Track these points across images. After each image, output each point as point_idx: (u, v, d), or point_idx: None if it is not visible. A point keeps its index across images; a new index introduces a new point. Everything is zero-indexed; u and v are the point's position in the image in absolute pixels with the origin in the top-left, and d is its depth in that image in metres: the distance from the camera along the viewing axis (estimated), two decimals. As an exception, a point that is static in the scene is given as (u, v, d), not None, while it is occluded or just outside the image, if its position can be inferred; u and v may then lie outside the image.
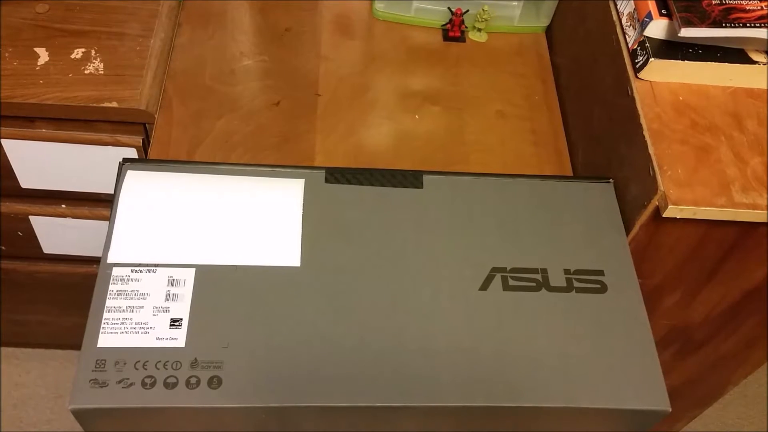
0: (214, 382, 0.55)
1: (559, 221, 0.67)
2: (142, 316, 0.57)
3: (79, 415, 0.54)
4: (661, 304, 0.76)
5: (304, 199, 0.65)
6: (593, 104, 0.77)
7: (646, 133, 0.65)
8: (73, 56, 0.79)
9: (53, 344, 1.29)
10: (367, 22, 0.90)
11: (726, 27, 0.64)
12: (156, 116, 0.77)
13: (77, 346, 0.60)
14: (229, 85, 0.81)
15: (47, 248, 0.98)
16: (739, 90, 0.69)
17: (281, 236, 0.63)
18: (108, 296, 0.58)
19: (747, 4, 0.66)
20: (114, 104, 0.75)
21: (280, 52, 0.85)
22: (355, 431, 0.59)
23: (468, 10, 0.88)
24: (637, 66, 0.68)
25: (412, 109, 0.82)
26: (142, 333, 0.57)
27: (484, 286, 0.62)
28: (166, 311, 0.58)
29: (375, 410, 0.56)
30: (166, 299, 0.58)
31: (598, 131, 0.75)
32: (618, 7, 0.73)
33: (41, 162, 0.83)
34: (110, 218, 0.62)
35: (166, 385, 0.54)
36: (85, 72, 0.77)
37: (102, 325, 0.57)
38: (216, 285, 0.59)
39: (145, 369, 0.55)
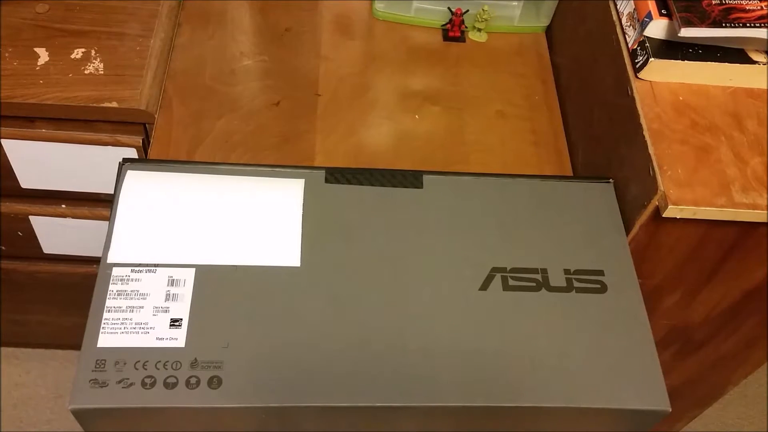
0: (214, 382, 0.55)
1: (559, 221, 0.67)
2: (142, 316, 0.57)
3: (79, 415, 0.54)
4: (661, 304, 0.76)
5: (304, 199, 0.65)
6: (593, 104, 0.77)
7: (646, 133, 0.64)
8: (73, 56, 0.79)
9: (53, 344, 1.29)
10: (367, 22, 0.90)
11: (726, 27, 0.64)
12: (156, 116, 0.77)
13: (77, 346, 0.60)
14: (229, 85, 0.81)
15: (47, 248, 0.98)
16: (739, 90, 0.69)
17: (281, 236, 0.63)
18: (108, 296, 0.58)
19: (747, 4, 0.66)
20: (114, 104, 0.75)
21: (280, 52, 0.85)
22: (355, 431, 0.59)
23: (468, 10, 0.88)
24: (637, 66, 0.68)
25: (412, 109, 0.82)
26: (142, 333, 0.57)
27: (484, 286, 0.62)
28: (166, 311, 0.58)
29: (375, 410, 0.56)
30: (166, 299, 0.58)
31: (598, 131, 0.75)
32: (618, 7, 0.73)
33: (41, 162, 0.83)
34: (110, 218, 0.62)
35: (166, 385, 0.54)
36: (85, 72, 0.77)
37: (102, 325, 0.57)
38: (216, 285, 0.59)
39: (145, 369, 0.55)
